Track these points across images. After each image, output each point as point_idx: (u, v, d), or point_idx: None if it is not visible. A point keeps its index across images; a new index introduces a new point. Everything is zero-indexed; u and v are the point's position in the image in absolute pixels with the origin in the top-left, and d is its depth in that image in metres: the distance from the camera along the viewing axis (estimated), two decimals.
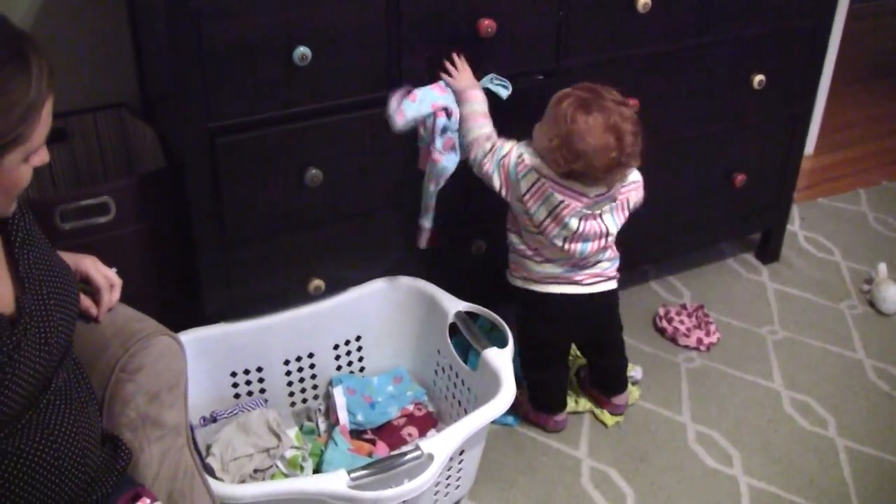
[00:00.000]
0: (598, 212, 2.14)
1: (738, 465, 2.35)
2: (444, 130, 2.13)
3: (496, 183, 2.14)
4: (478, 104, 2.13)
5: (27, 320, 1.42)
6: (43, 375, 1.44)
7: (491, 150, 2.13)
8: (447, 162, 2.14)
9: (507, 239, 2.27)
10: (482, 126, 2.14)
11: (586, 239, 2.15)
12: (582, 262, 2.20)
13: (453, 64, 2.12)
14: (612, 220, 2.17)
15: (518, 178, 2.10)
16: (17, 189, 1.36)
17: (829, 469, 2.34)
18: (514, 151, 2.12)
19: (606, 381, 2.46)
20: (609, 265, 2.26)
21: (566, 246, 2.15)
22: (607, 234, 2.17)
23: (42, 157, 1.37)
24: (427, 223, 2.26)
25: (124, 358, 1.65)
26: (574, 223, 2.11)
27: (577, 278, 2.22)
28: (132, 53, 2.39)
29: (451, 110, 2.13)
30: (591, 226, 2.14)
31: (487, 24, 2.10)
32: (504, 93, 2.17)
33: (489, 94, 2.16)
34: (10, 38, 1.28)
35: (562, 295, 2.23)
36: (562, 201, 2.09)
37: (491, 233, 2.35)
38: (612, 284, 2.28)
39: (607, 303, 2.31)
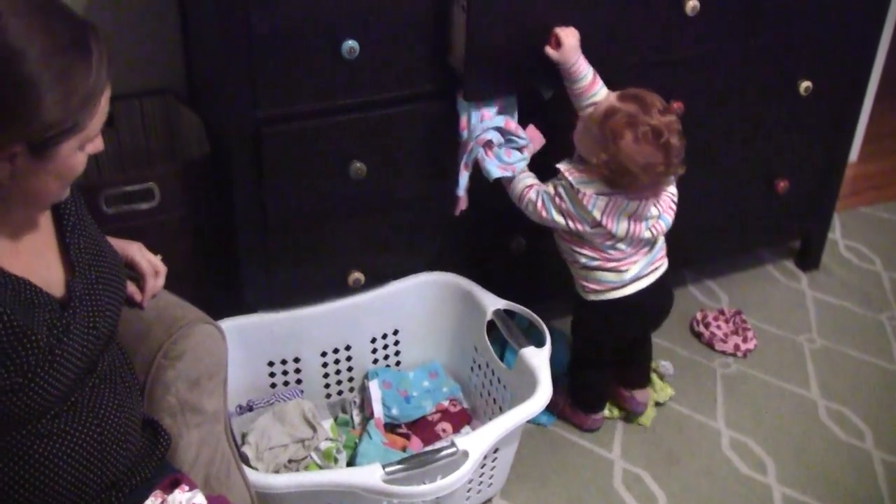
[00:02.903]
0: None
1: (771, 472, 2.34)
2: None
3: (562, 223, 2.12)
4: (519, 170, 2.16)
5: (76, 304, 1.44)
6: (89, 358, 1.46)
7: (538, 198, 2.12)
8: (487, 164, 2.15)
9: (572, 261, 2.22)
10: (523, 179, 2.15)
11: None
12: (657, 240, 2.21)
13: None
14: None
15: (587, 208, 2.07)
16: (72, 176, 1.37)
17: (865, 481, 2.33)
18: (561, 187, 2.10)
19: (631, 373, 2.45)
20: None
21: (653, 231, 2.13)
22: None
23: (97, 145, 1.38)
24: (460, 191, 2.22)
25: (167, 344, 1.67)
26: (654, 210, 2.12)
27: (655, 264, 2.21)
28: (180, 40, 2.40)
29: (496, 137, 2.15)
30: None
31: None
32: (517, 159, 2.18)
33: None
34: (72, 24, 1.29)
35: (643, 290, 2.20)
36: (639, 204, 2.08)
37: (531, 231, 2.34)
38: (666, 260, 2.28)
39: (668, 280, 2.29)
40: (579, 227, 2.11)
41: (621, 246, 2.14)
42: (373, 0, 1.96)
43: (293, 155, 2.05)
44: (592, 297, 2.22)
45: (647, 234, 2.13)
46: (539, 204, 2.12)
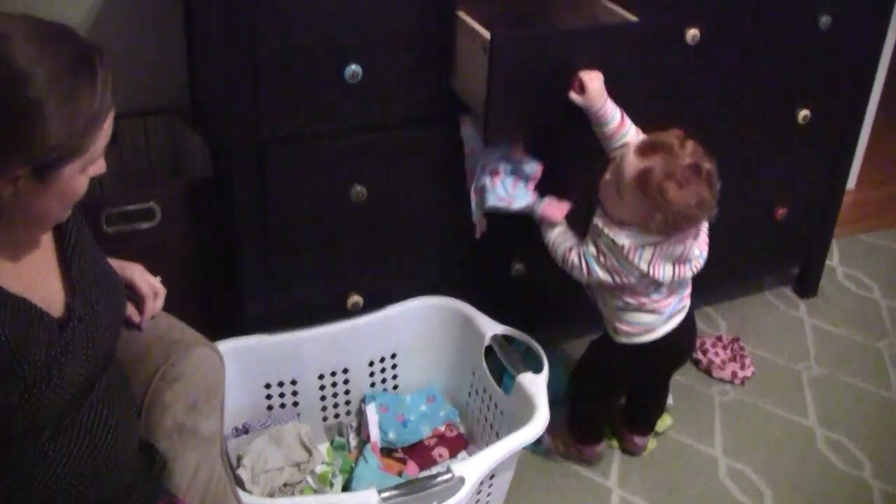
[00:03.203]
0: None
1: (769, 501, 2.33)
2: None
3: (609, 280, 2.08)
4: (557, 226, 2.14)
5: (76, 324, 1.44)
6: (87, 379, 1.46)
7: (581, 261, 2.09)
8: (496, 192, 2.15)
9: (605, 304, 2.19)
10: (563, 242, 2.12)
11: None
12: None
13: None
14: None
15: (633, 262, 2.03)
16: (75, 198, 1.37)
17: None
18: (603, 244, 2.05)
19: (638, 417, 2.43)
20: None
21: (694, 270, 2.11)
22: None
23: (100, 167, 1.38)
24: (474, 216, 2.23)
25: (164, 366, 1.66)
26: (697, 251, 2.10)
27: (684, 301, 2.19)
28: (185, 60, 2.41)
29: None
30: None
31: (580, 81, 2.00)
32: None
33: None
34: (78, 48, 1.29)
35: (673, 330, 2.17)
36: (684, 248, 2.05)
37: (529, 256, 2.34)
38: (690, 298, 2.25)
39: (693, 317, 2.26)
40: (626, 280, 2.06)
41: (663, 288, 2.12)
42: (376, 24, 1.96)
43: (295, 177, 2.05)
44: (624, 340, 2.18)
45: (689, 274, 2.10)
46: (584, 267, 2.08)
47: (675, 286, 2.13)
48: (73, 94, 1.26)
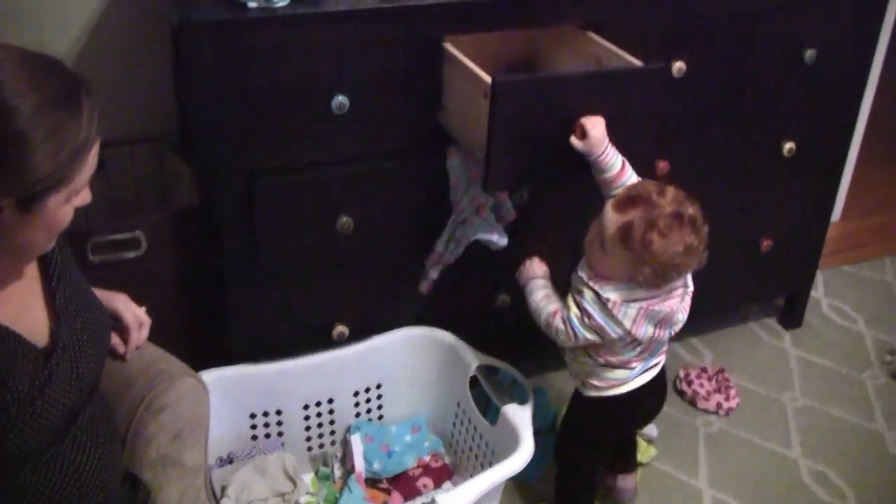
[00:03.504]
0: None
1: None
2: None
3: (597, 340, 2.01)
4: (540, 289, 2.10)
5: (60, 354, 1.44)
6: (71, 409, 1.46)
7: (566, 326, 2.01)
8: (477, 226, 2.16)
9: (577, 363, 2.11)
10: (546, 305, 2.07)
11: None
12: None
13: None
14: None
15: (617, 318, 1.96)
16: (59, 228, 1.37)
17: None
18: (586, 302, 1.98)
19: (618, 458, 2.36)
20: None
21: (671, 332, 2.05)
22: None
23: (84, 197, 1.39)
24: (435, 274, 2.25)
25: (149, 397, 1.67)
26: (681, 315, 2.03)
27: (658, 357, 2.13)
28: (173, 89, 2.42)
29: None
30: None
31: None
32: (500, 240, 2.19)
33: None
34: (65, 81, 1.30)
35: (645, 385, 2.11)
36: (670, 310, 1.99)
37: (515, 287, 2.34)
38: (666, 355, 2.19)
39: (666, 374, 2.20)
40: (612, 336, 1.99)
41: (639, 348, 2.05)
42: (364, 57, 1.98)
43: (282, 208, 2.06)
44: (593, 394, 2.12)
45: (667, 337, 2.05)
46: (570, 331, 2.00)
47: (651, 346, 2.07)
48: (59, 126, 1.27)
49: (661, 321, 2.00)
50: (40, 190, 1.29)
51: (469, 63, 1.95)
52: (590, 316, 1.98)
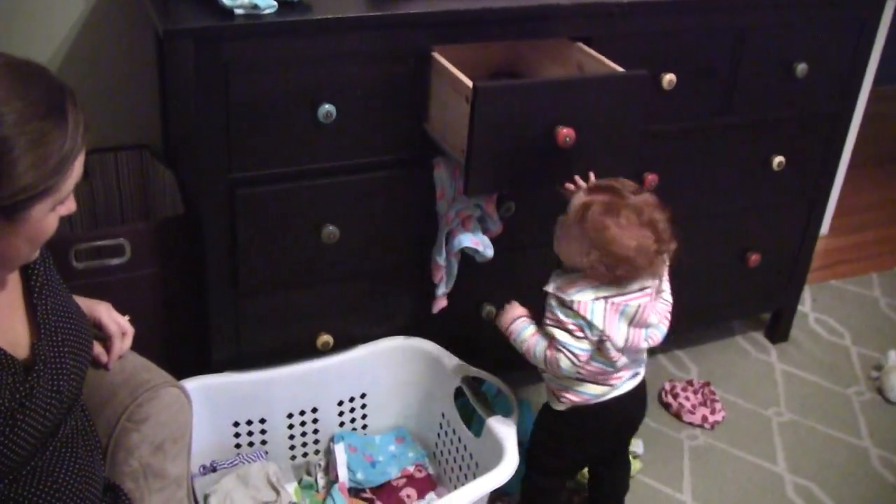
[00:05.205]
0: None
1: None
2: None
3: (594, 349, 1.97)
4: (525, 329, 2.04)
5: (41, 367, 1.42)
6: (52, 423, 1.44)
7: (562, 351, 1.95)
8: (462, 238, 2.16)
9: (555, 377, 2.06)
10: (538, 341, 2.00)
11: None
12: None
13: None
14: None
15: (589, 319, 1.93)
16: (44, 238, 1.36)
17: None
18: (558, 311, 1.95)
19: (602, 495, 2.31)
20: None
21: (649, 342, 2.03)
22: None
23: (69, 206, 1.38)
24: (444, 289, 2.25)
25: (132, 407, 1.65)
26: (654, 318, 2.01)
27: (639, 369, 2.11)
28: (158, 97, 2.41)
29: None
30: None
31: None
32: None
33: None
34: (49, 89, 1.29)
35: (625, 394, 2.07)
36: (639, 305, 1.96)
37: (500, 298, 2.34)
38: (644, 369, 2.16)
39: (644, 389, 2.16)
40: (591, 344, 1.96)
41: (622, 361, 2.01)
42: (351, 66, 1.97)
43: (267, 217, 2.05)
44: (561, 406, 2.08)
45: (644, 345, 2.02)
46: (569, 354, 1.95)
47: (631, 357, 2.04)
48: (43, 135, 1.26)
49: (634, 320, 1.97)
50: (25, 199, 1.27)
51: (452, 69, 1.96)
52: (560, 322, 1.95)
